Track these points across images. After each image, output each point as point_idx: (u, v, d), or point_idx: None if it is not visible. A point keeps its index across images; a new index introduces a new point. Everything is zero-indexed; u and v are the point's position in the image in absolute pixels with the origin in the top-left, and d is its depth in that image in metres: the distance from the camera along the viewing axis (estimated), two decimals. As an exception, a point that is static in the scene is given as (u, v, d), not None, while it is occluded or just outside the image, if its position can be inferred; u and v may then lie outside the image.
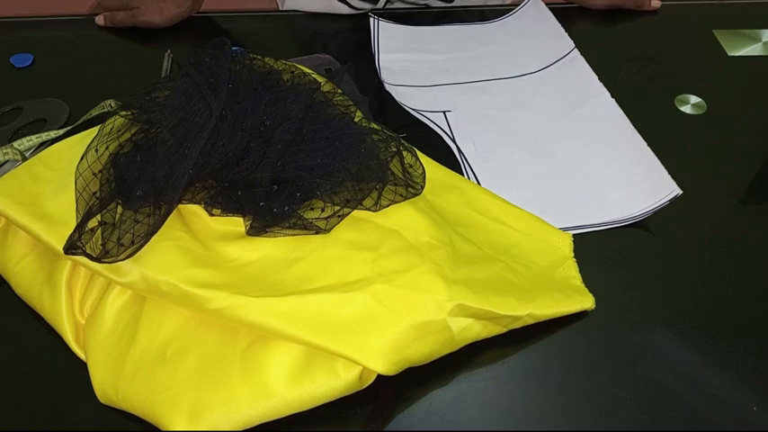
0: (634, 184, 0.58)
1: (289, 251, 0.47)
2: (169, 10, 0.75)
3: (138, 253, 0.44)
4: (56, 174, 0.51)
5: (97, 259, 0.43)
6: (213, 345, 0.44)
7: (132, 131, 0.50)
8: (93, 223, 0.44)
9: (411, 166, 0.52)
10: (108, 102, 0.61)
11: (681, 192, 0.55)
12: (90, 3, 0.80)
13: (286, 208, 0.47)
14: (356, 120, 0.53)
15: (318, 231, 0.47)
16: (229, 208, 0.48)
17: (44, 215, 0.47)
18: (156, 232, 0.44)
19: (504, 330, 0.47)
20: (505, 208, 0.55)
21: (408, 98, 0.68)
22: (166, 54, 0.72)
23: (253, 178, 0.47)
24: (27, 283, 0.48)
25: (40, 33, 0.76)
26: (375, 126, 0.53)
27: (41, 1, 0.81)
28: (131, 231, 0.44)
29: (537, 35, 0.77)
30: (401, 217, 0.49)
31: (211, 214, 0.48)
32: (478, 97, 0.69)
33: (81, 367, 0.44)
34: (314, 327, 0.42)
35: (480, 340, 0.46)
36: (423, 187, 0.51)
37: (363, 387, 0.43)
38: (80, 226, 0.44)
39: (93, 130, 0.51)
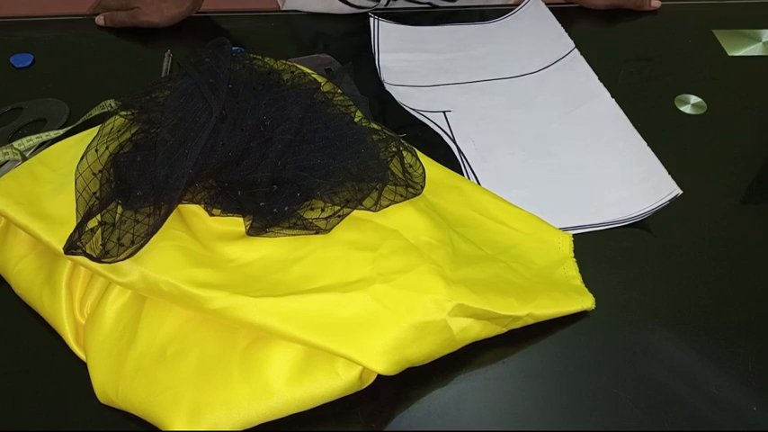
0: (634, 184, 0.58)
1: (289, 251, 0.47)
2: (169, 10, 0.75)
3: (138, 253, 0.44)
4: (56, 174, 0.51)
5: (97, 259, 0.43)
6: (213, 345, 0.44)
7: (132, 131, 0.50)
8: (93, 223, 0.44)
9: (411, 166, 0.52)
10: (108, 102, 0.61)
11: (681, 192, 0.55)
12: (90, 3, 0.80)
13: (286, 208, 0.47)
14: (356, 120, 0.53)
15: (318, 231, 0.47)
16: (229, 208, 0.48)
17: (44, 215, 0.47)
18: (156, 232, 0.44)
19: (504, 330, 0.47)
20: (505, 208, 0.55)
21: (408, 98, 0.68)
22: (166, 54, 0.72)
23: (253, 178, 0.47)
24: (27, 283, 0.48)
25: (40, 33, 0.76)
26: (375, 126, 0.54)
27: (41, 1, 0.81)
28: (131, 231, 0.44)
29: (537, 35, 0.77)
30: (401, 217, 0.49)
31: (211, 214, 0.48)
32: (478, 97, 0.69)
33: (81, 367, 0.44)
34: (314, 327, 0.42)
35: (480, 340, 0.46)
36: (423, 187, 0.51)
37: (363, 387, 0.43)
38: (80, 226, 0.44)
39: (93, 130, 0.51)
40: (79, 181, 0.46)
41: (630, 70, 0.75)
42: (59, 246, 0.44)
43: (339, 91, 0.56)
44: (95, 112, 0.62)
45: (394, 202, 0.50)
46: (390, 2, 0.81)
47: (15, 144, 0.58)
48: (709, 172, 0.62)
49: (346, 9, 0.81)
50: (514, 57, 0.75)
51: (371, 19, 0.76)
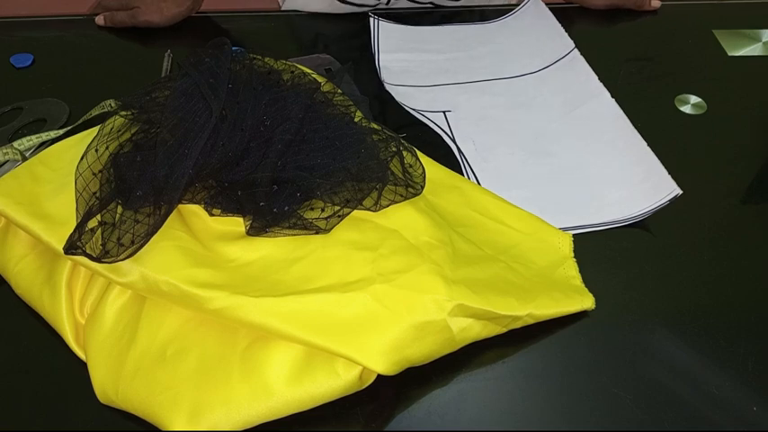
0: (634, 184, 0.58)
1: (289, 251, 0.47)
2: (169, 9, 0.75)
3: (138, 253, 0.44)
4: (56, 174, 0.51)
5: (97, 259, 0.43)
6: (213, 345, 0.44)
7: (132, 131, 0.50)
8: (93, 223, 0.44)
9: (411, 166, 0.52)
10: (108, 102, 0.61)
11: (681, 192, 0.55)
12: (90, 3, 0.80)
13: (286, 208, 0.47)
14: (356, 120, 0.53)
15: (318, 231, 0.47)
16: (229, 208, 0.48)
17: (44, 215, 0.47)
18: (156, 232, 0.44)
19: (504, 330, 0.47)
20: (505, 208, 0.55)
21: (408, 98, 0.68)
22: (166, 54, 0.72)
23: (253, 178, 0.47)
24: (27, 283, 0.48)
25: (40, 33, 0.76)
26: (375, 126, 0.54)
27: (41, 1, 0.81)
28: (131, 231, 0.44)
29: (537, 35, 0.77)
30: (401, 217, 0.49)
31: (211, 214, 0.48)
32: (478, 97, 0.69)
33: (81, 367, 0.44)
34: (314, 327, 0.42)
35: (480, 340, 0.46)
36: (423, 187, 0.51)
37: (363, 387, 0.43)
38: (80, 226, 0.44)
39: (93, 130, 0.51)
40: (79, 181, 0.46)
41: (630, 70, 0.75)
42: (59, 246, 0.44)
43: (339, 91, 0.56)
44: (95, 112, 0.62)
45: (394, 202, 0.50)
46: (391, 1, 0.81)
47: (15, 144, 0.58)
48: (709, 172, 0.62)
49: (346, 8, 0.81)
50: (514, 57, 0.75)
51: (371, 19, 0.76)
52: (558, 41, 0.74)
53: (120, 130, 0.50)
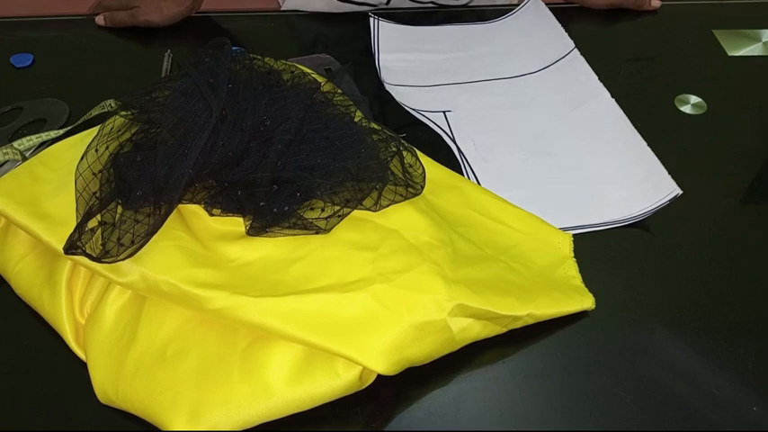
0: (634, 184, 0.58)
1: (289, 251, 0.47)
2: (169, 9, 0.75)
3: (138, 253, 0.44)
4: (56, 174, 0.51)
5: (97, 259, 0.43)
6: (213, 345, 0.44)
7: (132, 131, 0.50)
8: (93, 223, 0.44)
9: (411, 166, 0.52)
10: (108, 102, 0.61)
11: (681, 192, 0.55)
12: (90, 3, 0.80)
13: (286, 208, 0.47)
14: (356, 120, 0.53)
15: (318, 231, 0.47)
16: (229, 208, 0.48)
17: (44, 215, 0.47)
18: (156, 232, 0.44)
19: (504, 330, 0.47)
20: (505, 208, 0.55)
21: (408, 98, 0.68)
22: (166, 54, 0.72)
23: (253, 178, 0.47)
24: (27, 283, 0.48)
25: (40, 33, 0.76)
26: (375, 126, 0.54)
27: (41, 1, 0.82)
28: (131, 231, 0.44)
29: (537, 35, 0.77)
30: (401, 217, 0.49)
31: (211, 214, 0.48)
32: (478, 97, 0.69)
33: (81, 367, 0.44)
34: (314, 327, 0.42)
35: (480, 340, 0.46)
36: (423, 187, 0.51)
37: (363, 387, 0.43)
38: (80, 226, 0.44)
39: (93, 130, 0.51)
40: (79, 181, 0.46)
41: (630, 70, 0.75)
42: (59, 246, 0.44)
43: (339, 91, 0.56)
44: (95, 112, 0.62)
45: (394, 202, 0.50)
46: (392, 1, 0.81)
47: (15, 144, 0.58)
48: (710, 172, 0.62)
49: (346, 7, 0.81)
50: (514, 57, 0.75)
51: (371, 19, 0.76)
52: (558, 41, 0.74)
53: (120, 130, 0.50)
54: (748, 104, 0.71)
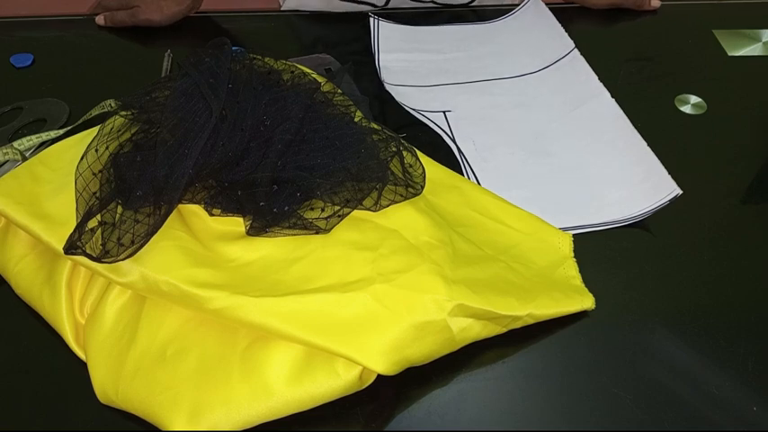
0: (634, 184, 0.58)
1: (289, 251, 0.47)
2: (169, 8, 0.75)
3: (138, 253, 0.44)
4: (56, 174, 0.51)
5: (97, 259, 0.43)
6: (213, 345, 0.44)
7: (132, 131, 0.50)
8: (93, 223, 0.44)
9: (411, 166, 0.52)
10: (108, 102, 0.61)
11: (681, 192, 0.55)
12: (90, 3, 0.80)
13: (286, 208, 0.47)
14: (356, 120, 0.53)
15: (318, 231, 0.47)
16: (229, 208, 0.48)
17: (44, 215, 0.47)
18: (156, 232, 0.44)
19: (504, 330, 0.47)
20: (505, 208, 0.55)
21: (408, 98, 0.68)
22: (166, 54, 0.72)
23: (253, 178, 0.47)
24: (27, 283, 0.48)
25: (40, 33, 0.76)
26: (375, 126, 0.54)
27: (41, 1, 0.81)
28: (131, 231, 0.44)
29: (537, 35, 0.77)
30: (401, 217, 0.49)
31: (211, 214, 0.48)
32: (478, 97, 0.69)
33: (81, 367, 0.44)
34: (314, 327, 0.42)
35: (480, 340, 0.46)
36: (423, 187, 0.51)
37: (363, 387, 0.43)
38: (80, 226, 0.44)
39: (93, 130, 0.51)
40: (79, 181, 0.46)
41: (630, 70, 0.75)
42: (59, 246, 0.44)
43: (339, 91, 0.56)
44: (95, 112, 0.62)
45: (394, 202, 0.50)
46: (391, 1, 0.81)
47: (15, 144, 0.58)
48: (710, 172, 0.62)
49: (347, 6, 0.81)
50: (514, 57, 0.75)
51: (371, 19, 0.76)
52: (558, 41, 0.74)
53: (120, 130, 0.50)
54: (748, 104, 0.71)
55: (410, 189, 0.50)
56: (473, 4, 0.84)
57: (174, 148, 0.45)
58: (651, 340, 0.49)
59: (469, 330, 0.45)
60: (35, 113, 0.64)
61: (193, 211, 0.49)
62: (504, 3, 0.85)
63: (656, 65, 0.76)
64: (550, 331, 0.49)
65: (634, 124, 0.62)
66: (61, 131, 0.61)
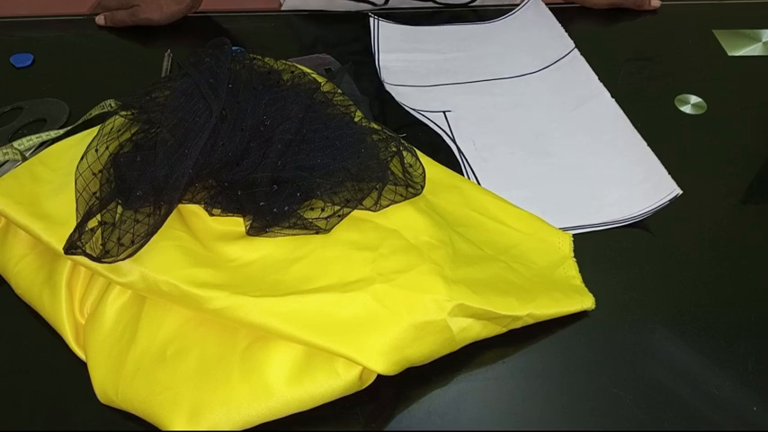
0: (634, 184, 0.58)
1: (289, 251, 0.47)
2: (169, 6, 0.75)
3: (138, 253, 0.44)
4: (56, 174, 0.51)
5: (97, 259, 0.43)
6: (213, 345, 0.44)
7: (132, 131, 0.50)
8: (93, 223, 0.44)
9: (411, 166, 0.52)
10: (108, 102, 0.61)
11: (681, 192, 0.55)
12: (90, 3, 0.80)
13: (286, 208, 0.47)
14: (356, 120, 0.53)
15: (318, 231, 0.47)
16: (229, 208, 0.48)
17: (44, 215, 0.47)
18: (156, 232, 0.44)
19: (504, 330, 0.47)
20: (505, 208, 0.55)
21: (408, 98, 0.68)
22: (166, 54, 0.72)
23: (253, 178, 0.47)
24: (27, 283, 0.48)
25: (40, 33, 0.76)
26: (375, 126, 0.54)
27: (41, 1, 0.81)
28: (131, 231, 0.44)
29: (537, 35, 0.77)
30: (401, 217, 0.49)
31: (211, 214, 0.48)
32: (478, 97, 0.69)
33: (81, 367, 0.44)
34: (314, 327, 0.42)
35: (480, 340, 0.46)
36: (423, 187, 0.51)
37: (363, 387, 0.43)
38: (80, 226, 0.44)
39: (93, 130, 0.51)
40: (79, 181, 0.46)
41: (630, 70, 0.75)
42: (59, 246, 0.44)
43: (339, 91, 0.56)
44: (95, 112, 0.62)
45: (394, 201, 0.50)
46: (390, 1, 0.81)
47: (15, 144, 0.58)
48: (710, 172, 0.62)
49: (347, 5, 0.81)
50: (514, 57, 0.75)
51: (371, 19, 0.76)
52: (558, 41, 0.74)
53: (120, 130, 0.50)
54: (748, 104, 0.71)
55: (410, 189, 0.50)
56: (473, 4, 0.84)
57: (174, 148, 0.45)
58: (651, 340, 0.49)
59: (469, 330, 0.45)
60: (35, 113, 0.64)
61: (193, 211, 0.49)
62: (505, 3, 0.85)
63: (656, 65, 0.76)
64: (550, 331, 0.49)
65: (634, 124, 0.62)
66: (61, 131, 0.61)
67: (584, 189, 0.59)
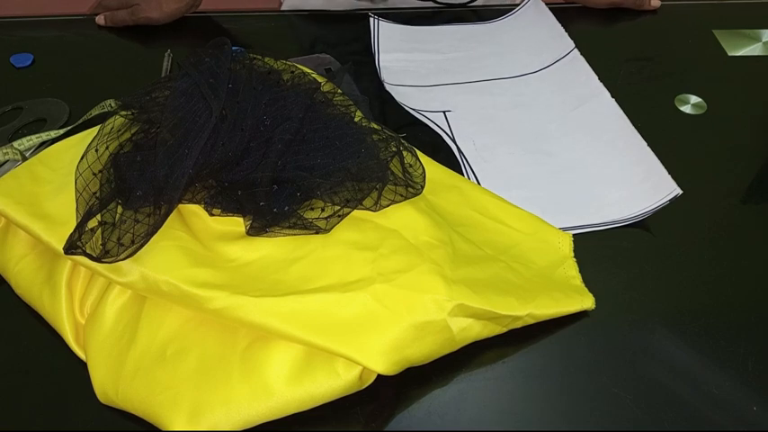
0: (634, 184, 0.58)
1: (289, 251, 0.47)
2: (168, 5, 0.75)
3: (138, 253, 0.44)
4: (56, 174, 0.51)
5: (97, 259, 0.43)
6: (213, 345, 0.44)
7: (132, 131, 0.50)
8: (93, 223, 0.44)
9: (411, 166, 0.52)
10: (108, 102, 0.61)
11: (681, 192, 0.55)
12: (90, 3, 0.80)
13: (286, 208, 0.47)
14: (356, 120, 0.53)
15: (318, 231, 0.47)
16: (229, 208, 0.48)
17: (44, 215, 0.47)
18: (156, 232, 0.44)
19: (504, 330, 0.47)
20: (505, 208, 0.55)
21: (408, 98, 0.68)
22: (166, 54, 0.72)
23: (253, 178, 0.47)
24: (27, 283, 0.48)
25: (40, 33, 0.76)
26: (375, 126, 0.54)
27: (41, 1, 0.82)
28: (131, 231, 0.44)
29: (537, 35, 0.77)
30: (401, 217, 0.49)
31: (211, 214, 0.48)
32: (478, 97, 0.69)
33: (81, 367, 0.44)
34: (314, 327, 0.42)
35: (480, 340, 0.46)
36: (423, 187, 0.51)
37: (363, 387, 0.43)
38: (80, 226, 0.44)
39: (93, 130, 0.51)
40: (79, 181, 0.46)
41: (630, 70, 0.75)
42: (59, 246, 0.44)
43: (339, 91, 0.56)
44: (95, 112, 0.62)
45: (394, 201, 0.50)
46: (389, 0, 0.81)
47: (15, 144, 0.58)
48: (710, 172, 0.62)
49: (347, 4, 0.81)
50: (514, 57, 0.75)
51: (371, 19, 0.76)
52: (558, 41, 0.74)
53: (120, 130, 0.50)
54: (748, 104, 0.71)
55: (410, 189, 0.50)
56: (473, 4, 0.84)
57: (173, 148, 0.45)
58: (651, 340, 0.49)
59: (469, 330, 0.45)
60: (35, 113, 0.64)
61: (193, 211, 0.49)
62: (505, 3, 0.85)
63: (656, 65, 0.76)
64: (550, 331, 0.49)
65: (634, 124, 0.62)
66: (61, 131, 0.61)
67: (584, 189, 0.59)
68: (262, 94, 0.50)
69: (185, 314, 0.45)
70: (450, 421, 0.44)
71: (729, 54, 0.78)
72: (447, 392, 0.45)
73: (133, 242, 0.43)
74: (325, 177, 0.48)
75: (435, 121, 0.65)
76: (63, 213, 0.47)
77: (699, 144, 0.66)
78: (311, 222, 0.47)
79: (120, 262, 0.43)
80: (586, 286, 0.51)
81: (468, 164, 0.61)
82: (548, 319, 0.48)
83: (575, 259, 0.53)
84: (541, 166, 0.62)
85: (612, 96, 0.66)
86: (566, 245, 0.53)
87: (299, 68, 0.54)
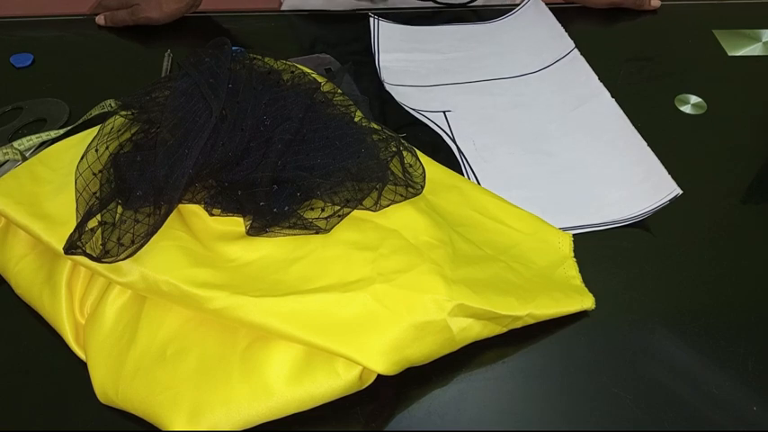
0: (634, 184, 0.58)
1: (289, 251, 0.47)
2: (168, 5, 0.75)
3: (138, 253, 0.44)
4: (56, 174, 0.51)
5: (97, 259, 0.43)
6: (213, 345, 0.44)
7: (132, 131, 0.50)
8: (93, 223, 0.44)
9: (411, 166, 0.52)
10: (108, 102, 0.61)
11: (681, 192, 0.55)
12: (90, 3, 0.80)
13: (286, 208, 0.47)
14: (356, 120, 0.53)
15: (318, 231, 0.47)
16: (229, 208, 0.48)
17: (44, 215, 0.47)
18: (156, 232, 0.44)
19: (504, 330, 0.47)
20: (505, 208, 0.55)
21: (408, 98, 0.68)
22: (166, 54, 0.72)
23: (253, 178, 0.47)
24: (27, 283, 0.48)
25: (40, 33, 0.76)
26: (375, 126, 0.54)
27: (41, 1, 0.82)
28: (131, 231, 0.44)
29: (537, 35, 0.77)
30: (401, 217, 0.49)
31: (211, 214, 0.48)
32: (478, 97, 0.69)
33: (81, 367, 0.44)
34: (314, 327, 0.42)
35: (480, 340, 0.46)
36: (423, 187, 0.51)
37: (363, 387, 0.43)
38: (80, 226, 0.44)
39: (93, 130, 0.51)
40: (79, 181, 0.46)
41: (630, 70, 0.75)
42: (59, 246, 0.44)
43: (339, 91, 0.56)
44: (95, 112, 0.62)
45: (394, 201, 0.50)
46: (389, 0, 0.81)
47: (15, 144, 0.58)
48: (710, 172, 0.62)
49: (347, 4, 0.81)
50: (514, 57, 0.75)
51: (371, 19, 0.76)
52: (558, 41, 0.74)
53: (120, 130, 0.50)
54: (748, 104, 0.71)
55: (410, 189, 0.50)
56: (473, 4, 0.84)
57: (174, 148, 0.45)
58: (651, 340, 0.49)
59: (469, 330, 0.45)
60: (35, 113, 0.64)
61: (193, 211, 0.49)
62: (505, 3, 0.85)
63: (656, 65, 0.76)
64: (550, 331, 0.49)
65: (634, 124, 0.62)
66: (61, 131, 0.61)
67: (584, 189, 0.59)
68: (262, 94, 0.50)
69: (185, 314, 0.45)
70: (450, 421, 0.44)
71: (729, 54, 0.78)
72: (447, 392, 0.45)
73: (133, 242, 0.43)
74: (325, 177, 0.48)
75: (435, 121, 0.65)
76: (63, 213, 0.47)
77: (699, 144, 0.66)
78: (311, 222, 0.47)
79: (120, 262, 0.43)
80: (586, 286, 0.51)
81: (468, 164, 0.61)
82: (548, 319, 0.48)
83: (575, 259, 0.53)
84: (541, 166, 0.62)
85: (612, 96, 0.66)
86: (566, 245, 0.53)
87: (299, 68, 0.54)
